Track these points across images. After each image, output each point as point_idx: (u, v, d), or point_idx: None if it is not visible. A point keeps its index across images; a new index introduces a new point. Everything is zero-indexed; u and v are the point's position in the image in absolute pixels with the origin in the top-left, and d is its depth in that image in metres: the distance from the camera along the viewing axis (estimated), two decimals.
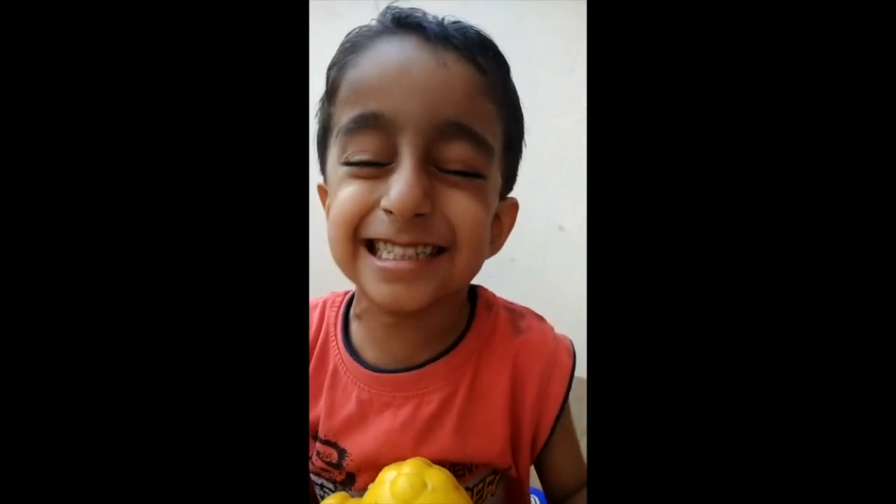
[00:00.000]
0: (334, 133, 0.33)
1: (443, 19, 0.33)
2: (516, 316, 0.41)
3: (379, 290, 0.31)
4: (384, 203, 0.30)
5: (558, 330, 0.43)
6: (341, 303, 0.42)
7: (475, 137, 0.31)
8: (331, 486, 0.41)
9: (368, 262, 0.31)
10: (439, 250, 0.32)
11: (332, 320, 0.41)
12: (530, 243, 1.52)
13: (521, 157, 0.40)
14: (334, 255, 0.33)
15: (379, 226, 0.30)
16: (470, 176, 0.32)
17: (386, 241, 0.31)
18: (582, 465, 0.43)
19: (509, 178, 0.38)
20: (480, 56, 0.32)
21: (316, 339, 0.40)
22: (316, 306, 0.42)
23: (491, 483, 0.40)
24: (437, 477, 0.32)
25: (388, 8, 0.33)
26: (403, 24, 0.32)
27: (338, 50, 0.34)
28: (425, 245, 0.31)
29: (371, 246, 0.32)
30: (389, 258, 0.31)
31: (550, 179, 1.44)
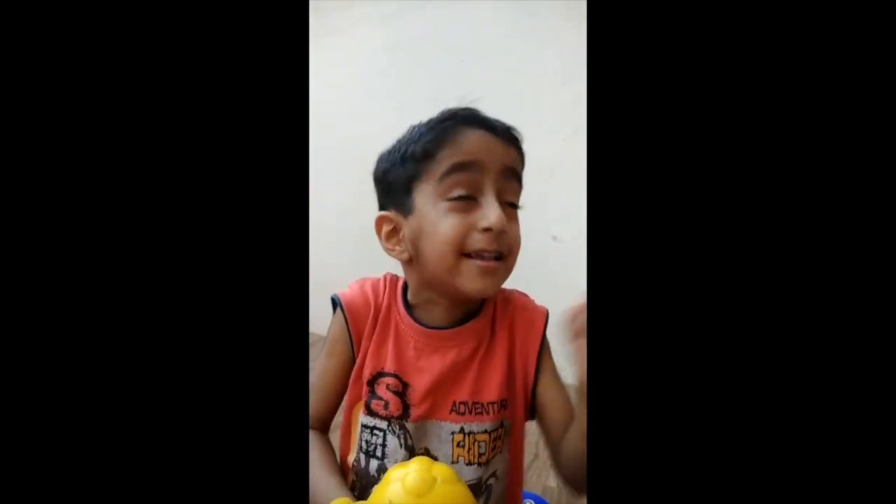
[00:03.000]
0: (429, 180, 0.50)
1: (496, 120, 0.52)
2: (507, 292, 0.59)
3: (475, 284, 0.49)
4: (484, 224, 0.47)
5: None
6: (397, 281, 0.59)
7: (519, 180, 0.52)
8: (384, 424, 0.53)
9: (472, 265, 0.48)
10: (501, 257, 0.49)
11: (392, 292, 0.57)
12: (525, 253, 1.54)
13: None
14: (437, 266, 0.50)
15: (478, 241, 0.48)
16: (515, 206, 0.52)
17: (481, 251, 0.48)
18: (570, 403, 0.56)
19: None
20: (517, 143, 0.53)
21: (381, 302, 0.56)
22: (378, 279, 0.59)
23: (500, 437, 0.55)
24: (444, 471, 0.33)
25: (452, 110, 0.52)
26: (476, 122, 0.51)
27: (418, 132, 0.52)
28: (500, 253, 0.49)
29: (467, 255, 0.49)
30: (485, 261, 0.48)
31: (545, 191, 1.47)
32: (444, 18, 1.61)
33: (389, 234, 0.53)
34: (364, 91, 1.80)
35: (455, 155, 0.48)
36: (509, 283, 0.60)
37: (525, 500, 0.65)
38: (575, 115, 1.42)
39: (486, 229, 0.47)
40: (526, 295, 0.60)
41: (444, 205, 0.48)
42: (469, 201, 0.48)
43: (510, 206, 0.51)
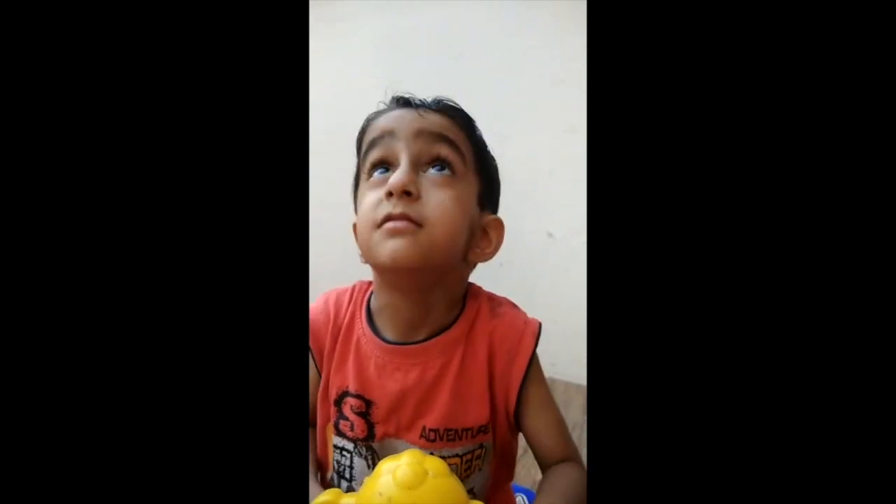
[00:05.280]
0: (363, 169, 0.49)
1: (425, 99, 0.50)
2: (495, 303, 0.52)
3: (384, 248, 0.44)
4: (386, 188, 0.44)
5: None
6: (367, 290, 0.54)
7: (449, 141, 0.46)
8: (351, 445, 0.51)
9: (379, 232, 0.45)
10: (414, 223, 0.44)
11: (358, 302, 0.53)
12: (522, 250, 1.55)
13: (497, 183, 0.54)
14: (362, 246, 0.47)
15: (384, 208, 0.44)
16: (446, 170, 0.46)
17: (387, 217, 0.44)
18: (563, 435, 0.51)
19: (487, 194, 0.51)
20: (448, 111, 0.49)
21: (346, 313, 0.53)
22: (346, 290, 0.55)
23: (479, 458, 0.51)
24: (436, 465, 0.34)
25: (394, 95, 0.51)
26: (398, 101, 0.50)
27: (361, 127, 0.51)
28: (411, 220, 0.44)
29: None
30: (390, 224, 0.44)
31: (541, 189, 1.47)
32: (442, 15, 1.60)
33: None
34: (361, 87, 1.79)
35: (370, 134, 0.48)
36: (504, 288, 0.58)
37: (516, 495, 0.66)
38: (571, 114, 1.42)
39: (388, 194, 0.44)
40: (516, 307, 0.53)
41: (367, 184, 0.48)
42: (386, 173, 0.46)
43: (440, 172, 0.46)
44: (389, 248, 0.43)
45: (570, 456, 0.51)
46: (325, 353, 0.52)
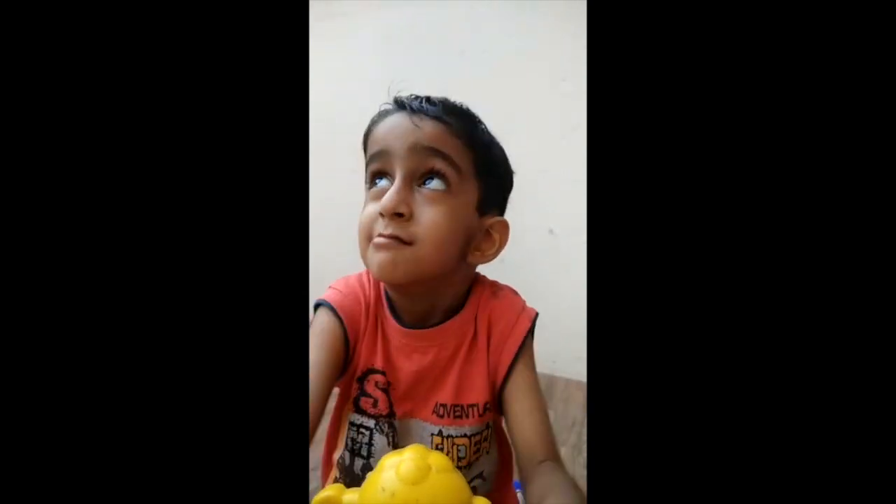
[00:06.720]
0: (366, 176, 0.50)
1: (423, 98, 0.49)
2: (496, 288, 0.56)
3: (372, 260, 0.47)
4: (378, 209, 0.45)
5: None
6: None
7: (444, 156, 0.46)
8: (371, 423, 0.53)
9: (371, 246, 0.47)
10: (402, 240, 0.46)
11: (377, 284, 0.55)
12: (522, 247, 1.55)
13: (503, 182, 0.54)
14: (361, 253, 0.49)
15: (377, 226, 0.46)
16: (440, 183, 0.46)
17: (378, 236, 0.46)
18: (544, 425, 0.49)
19: (489, 197, 0.51)
20: (445, 115, 0.47)
21: (370, 295, 0.55)
22: (362, 273, 0.56)
23: (486, 439, 0.54)
24: (439, 460, 0.34)
25: (393, 101, 0.51)
26: (396, 103, 0.50)
27: (366, 129, 0.52)
28: (401, 241, 0.45)
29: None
30: (378, 240, 0.46)
31: (541, 187, 1.47)
32: (442, 14, 1.60)
33: None
34: (360, 85, 1.79)
35: (371, 147, 0.49)
36: (506, 280, 0.59)
37: (517, 490, 0.66)
38: (571, 112, 1.42)
39: (380, 214, 0.45)
40: (516, 293, 0.56)
41: (368, 193, 0.49)
42: (384, 184, 0.47)
43: (434, 189, 0.46)
44: (377, 262, 0.46)
45: (551, 454, 0.46)
46: (360, 333, 0.53)
